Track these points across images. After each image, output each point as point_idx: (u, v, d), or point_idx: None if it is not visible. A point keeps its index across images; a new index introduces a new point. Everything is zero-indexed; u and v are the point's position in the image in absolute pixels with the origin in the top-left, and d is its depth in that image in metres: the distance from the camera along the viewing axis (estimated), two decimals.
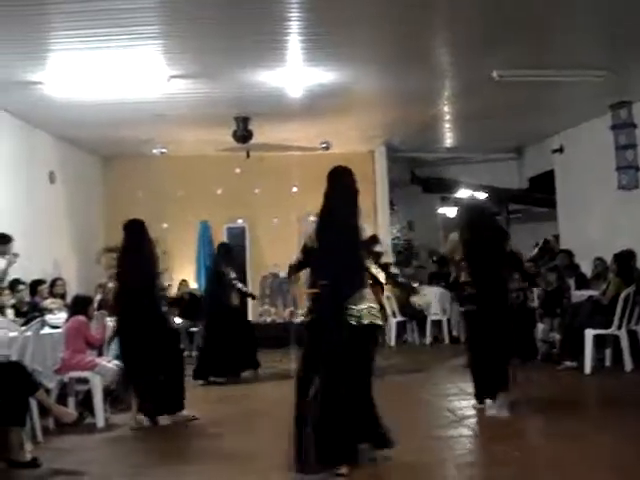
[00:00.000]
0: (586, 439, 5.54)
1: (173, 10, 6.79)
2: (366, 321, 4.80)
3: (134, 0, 6.44)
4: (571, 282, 10.38)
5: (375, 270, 5.27)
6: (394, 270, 5.08)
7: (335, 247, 4.92)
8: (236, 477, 5.07)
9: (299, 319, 11.88)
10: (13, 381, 5.33)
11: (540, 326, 9.91)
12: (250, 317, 13.57)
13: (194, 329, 11.66)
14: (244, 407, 7.79)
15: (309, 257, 5.09)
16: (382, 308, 9.34)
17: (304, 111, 10.24)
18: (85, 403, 6.89)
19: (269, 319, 13.83)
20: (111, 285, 10.54)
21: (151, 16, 6.88)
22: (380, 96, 10.33)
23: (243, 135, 11.01)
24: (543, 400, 7.18)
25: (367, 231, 4.96)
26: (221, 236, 13.78)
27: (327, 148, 12.93)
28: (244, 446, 5.85)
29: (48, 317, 7.78)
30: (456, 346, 11.73)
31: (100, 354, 7.29)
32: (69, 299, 8.47)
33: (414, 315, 13.01)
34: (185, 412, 6.82)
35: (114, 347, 7.71)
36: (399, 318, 12.83)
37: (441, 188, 16.19)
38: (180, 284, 13.15)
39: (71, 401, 6.90)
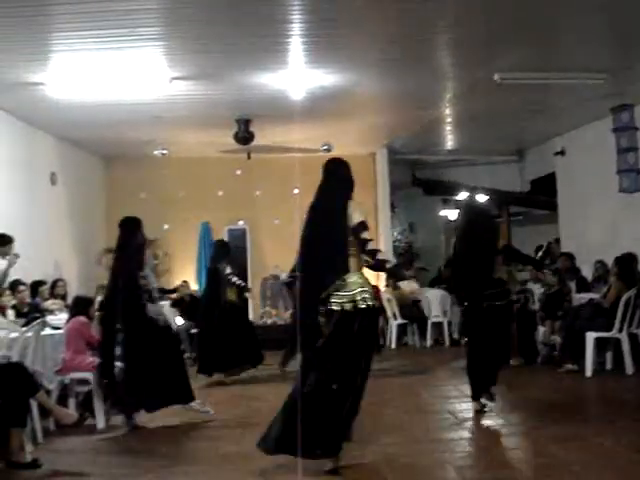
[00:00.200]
0: (587, 442, 5.53)
1: (175, 12, 6.80)
2: (362, 305, 4.82)
3: (136, 2, 6.44)
4: (572, 285, 10.37)
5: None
6: (381, 256, 4.98)
7: (317, 235, 4.98)
8: (237, 478, 5.06)
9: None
10: (14, 382, 5.33)
11: (541, 329, 9.91)
12: (251, 318, 13.61)
13: (195, 330, 11.65)
14: (245, 408, 7.79)
15: None
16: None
17: (305, 113, 10.24)
18: (86, 404, 6.88)
19: (270, 321, 13.82)
20: None
21: (153, 18, 6.89)
22: (382, 98, 10.34)
23: (244, 137, 11.02)
24: (544, 403, 7.18)
25: (356, 218, 4.90)
26: (222, 238, 13.75)
27: (328, 150, 12.93)
28: (245, 447, 5.84)
29: (49, 318, 7.79)
30: (457, 348, 11.72)
31: None
32: (70, 300, 8.47)
33: (415, 317, 13.02)
34: (196, 404, 6.88)
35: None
36: (400, 320, 12.82)
37: (442, 190, 16.20)
38: (181, 285, 13.15)
39: (72, 402, 6.90)
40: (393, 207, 15.02)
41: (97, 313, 7.47)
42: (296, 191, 13.21)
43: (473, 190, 14.93)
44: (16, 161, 10.13)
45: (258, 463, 5.09)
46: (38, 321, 6.69)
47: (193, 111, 10.32)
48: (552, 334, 9.66)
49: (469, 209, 7.51)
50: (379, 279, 12.58)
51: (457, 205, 16.58)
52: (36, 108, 9.69)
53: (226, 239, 13.48)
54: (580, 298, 9.77)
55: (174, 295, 10.98)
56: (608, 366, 8.88)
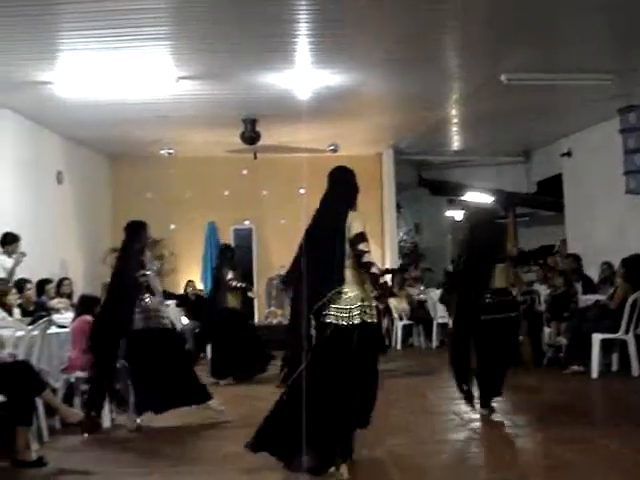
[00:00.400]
0: (592, 444, 5.52)
1: (182, 11, 6.81)
2: (357, 321, 4.76)
3: (143, 1, 6.45)
4: (578, 286, 10.35)
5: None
6: (374, 270, 4.79)
7: (315, 244, 4.94)
8: (241, 478, 5.06)
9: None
10: (20, 380, 5.34)
11: (547, 330, 9.89)
12: (256, 319, 13.63)
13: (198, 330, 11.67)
14: (249, 408, 7.77)
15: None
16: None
17: (312, 113, 10.24)
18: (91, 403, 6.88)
19: (275, 321, 13.81)
20: None
21: (160, 17, 6.89)
22: (388, 99, 10.33)
23: (251, 137, 11.03)
24: (549, 404, 7.16)
25: (355, 228, 4.80)
26: (228, 237, 13.81)
27: (335, 150, 12.94)
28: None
29: (55, 317, 7.79)
30: None
31: None
32: (76, 299, 8.48)
33: (420, 318, 13.01)
34: (214, 402, 6.88)
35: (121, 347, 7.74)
36: (405, 321, 12.81)
37: (448, 191, 16.19)
38: (187, 285, 13.18)
39: (77, 401, 6.90)
40: (399, 207, 15.02)
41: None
42: (302, 191, 13.22)
43: (479, 191, 14.97)
44: (23, 160, 10.15)
45: (261, 463, 5.08)
46: (44, 320, 6.69)
47: (199, 111, 10.33)
48: (558, 335, 9.63)
49: (474, 214, 7.45)
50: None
51: (463, 208, 16.60)
52: (43, 107, 9.71)
53: (232, 239, 13.54)
54: (586, 299, 9.75)
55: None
56: (614, 368, 8.85)
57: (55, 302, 8.98)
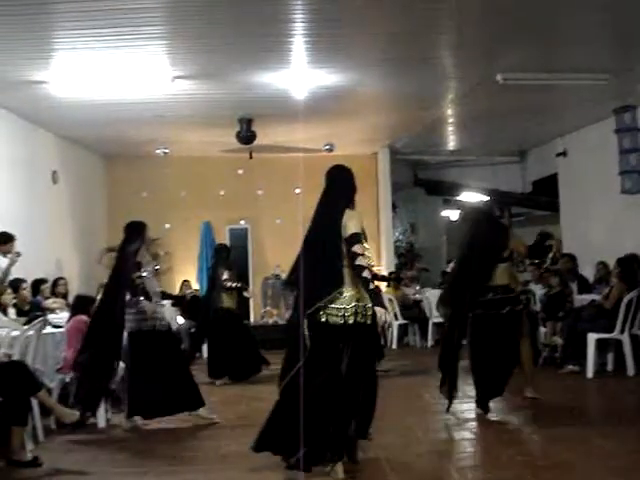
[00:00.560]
0: (588, 443, 5.53)
1: (177, 11, 6.79)
2: (350, 321, 4.74)
3: (139, 0, 6.43)
4: (573, 286, 10.37)
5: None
6: (365, 274, 4.70)
7: (314, 245, 4.93)
8: (238, 477, 5.06)
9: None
10: (15, 380, 5.33)
11: (542, 330, 9.90)
12: (252, 318, 13.62)
13: (193, 330, 11.65)
14: (244, 408, 7.79)
15: None
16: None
17: (308, 113, 10.24)
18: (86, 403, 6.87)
19: (271, 321, 13.82)
20: None
21: (156, 16, 6.87)
22: (384, 98, 10.33)
23: (246, 136, 11.01)
24: (545, 404, 7.16)
25: (350, 228, 4.78)
26: (223, 237, 13.79)
27: (331, 150, 12.93)
28: (245, 447, 5.83)
29: (50, 316, 7.78)
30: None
31: None
32: (71, 299, 8.47)
33: (416, 318, 13.02)
34: (204, 410, 6.82)
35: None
36: (401, 321, 12.81)
37: (444, 191, 16.20)
38: (182, 285, 13.17)
39: (72, 401, 6.88)
40: (395, 207, 15.02)
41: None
42: (298, 191, 13.22)
43: (475, 190, 14.98)
44: (17, 159, 10.12)
45: (258, 463, 5.08)
46: (39, 320, 6.68)
47: (195, 110, 10.31)
48: (553, 335, 9.64)
49: (474, 213, 7.45)
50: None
51: (459, 206, 16.61)
52: (38, 106, 9.68)
53: (227, 238, 13.52)
54: (582, 299, 9.77)
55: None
56: (609, 367, 8.87)
57: (50, 302, 8.97)
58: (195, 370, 9.44)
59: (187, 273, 13.62)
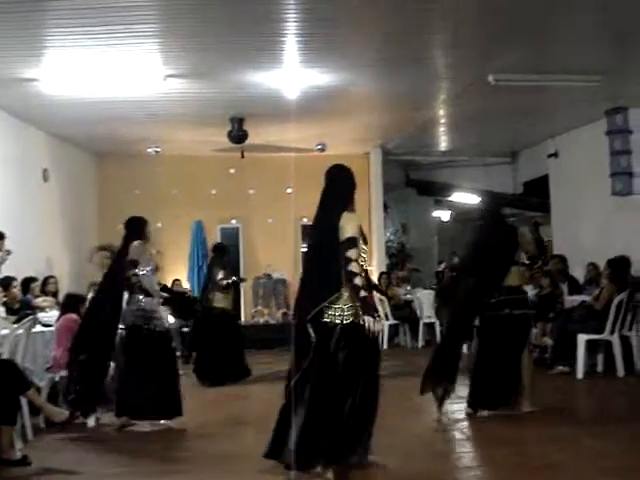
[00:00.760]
0: (579, 444, 5.55)
1: (170, 9, 6.77)
2: (346, 321, 4.73)
3: None
4: (564, 287, 10.39)
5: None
6: (357, 281, 4.63)
7: (313, 248, 4.95)
8: (229, 477, 5.05)
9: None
10: (4, 379, 5.31)
11: (533, 331, 9.90)
12: (242, 318, 13.60)
13: (186, 329, 11.62)
14: (235, 408, 7.78)
15: None
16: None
17: (300, 112, 10.23)
18: (76, 402, 6.83)
19: (262, 320, 13.81)
20: None
21: (148, 15, 6.86)
22: (376, 98, 10.33)
23: (238, 135, 11.00)
24: (535, 404, 7.17)
25: (347, 231, 4.74)
26: (215, 236, 13.78)
27: (322, 150, 12.94)
28: (237, 446, 5.84)
29: (40, 315, 7.74)
30: None
31: None
32: (61, 297, 8.44)
33: (406, 318, 13.03)
34: (178, 421, 6.64)
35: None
36: (391, 321, 12.81)
37: (435, 191, 16.23)
38: (173, 284, 13.13)
39: (62, 400, 6.86)
40: (386, 207, 15.03)
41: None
42: (289, 190, 13.22)
43: (466, 191, 15.00)
44: (8, 157, 10.08)
45: (249, 462, 5.08)
46: (29, 318, 6.65)
47: (187, 109, 10.29)
48: (544, 336, 9.66)
49: (486, 216, 7.42)
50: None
51: (449, 207, 16.64)
52: (29, 104, 9.64)
53: (219, 238, 13.50)
54: (572, 300, 9.79)
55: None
56: (599, 368, 8.89)
57: (40, 300, 8.94)
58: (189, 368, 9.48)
59: (178, 272, 13.59)
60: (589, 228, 11.78)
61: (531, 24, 7.27)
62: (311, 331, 4.76)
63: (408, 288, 14.04)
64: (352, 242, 4.71)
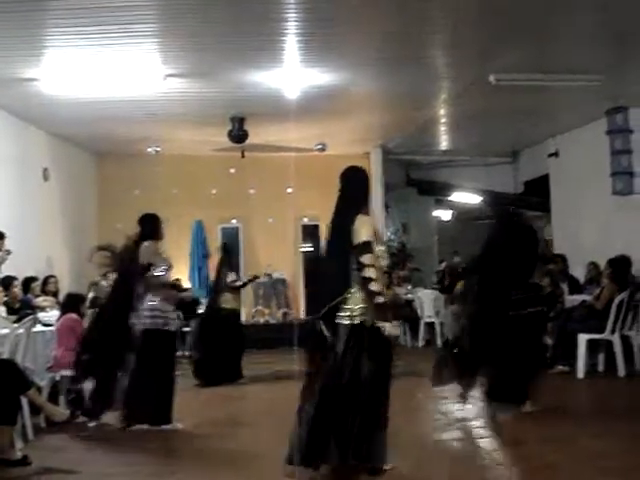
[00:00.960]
0: (579, 444, 5.55)
1: (170, 9, 6.77)
2: (356, 321, 4.69)
3: None
4: (564, 287, 10.38)
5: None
6: (373, 287, 4.57)
7: (326, 251, 4.91)
8: (227, 476, 5.05)
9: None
10: (5, 379, 5.30)
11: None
12: (243, 318, 13.57)
13: (186, 329, 11.60)
14: (236, 408, 7.78)
15: None
16: None
17: (300, 112, 10.23)
18: (76, 402, 6.84)
19: (262, 320, 13.80)
20: (104, 283, 10.54)
21: (148, 14, 6.86)
22: (376, 98, 10.33)
23: (238, 135, 10.99)
24: (535, 404, 7.16)
25: (362, 235, 4.66)
26: (215, 236, 13.79)
27: (323, 150, 12.92)
28: (235, 446, 5.84)
29: (40, 315, 7.74)
30: None
31: None
32: (61, 297, 8.43)
33: (407, 318, 13.02)
34: (170, 426, 6.54)
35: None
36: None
37: (436, 191, 16.21)
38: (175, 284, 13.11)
39: (62, 399, 6.86)
40: (387, 207, 15.02)
41: (89, 310, 7.44)
42: (290, 190, 13.22)
43: (467, 191, 14.99)
44: (8, 157, 10.08)
45: (247, 462, 5.08)
46: (29, 318, 6.65)
47: (187, 109, 10.29)
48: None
49: (509, 219, 7.42)
50: None
51: (450, 206, 16.62)
52: (29, 104, 9.64)
53: (219, 237, 13.50)
54: (572, 300, 9.78)
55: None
56: (600, 368, 8.88)
57: (40, 300, 8.94)
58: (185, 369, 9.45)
59: (178, 272, 13.53)
60: (590, 227, 11.77)
61: (532, 24, 7.27)
62: (324, 329, 4.73)
63: (409, 287, 14.03)
64: (366, 247, 4.64)
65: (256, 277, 10.26)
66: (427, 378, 8.66)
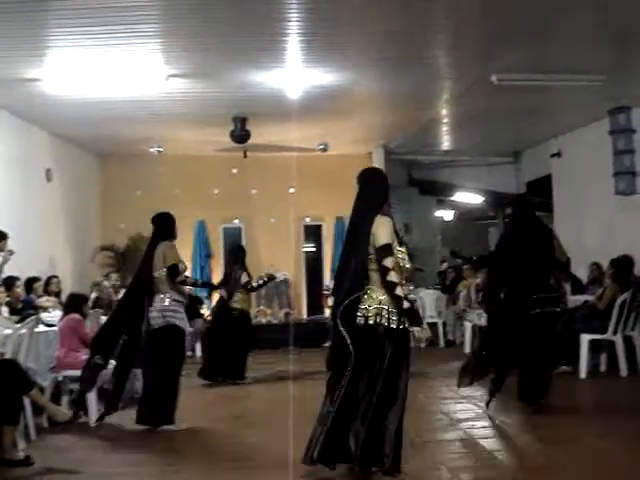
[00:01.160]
0: (582, 444, 5.54)
1: (172, 9, 6.77)
2: (371, 321, 4.66)
3: None
4: (567, 287, 10.36)
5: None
6: (398, 292, 4.56)
7: (344, 252, 4.92)
8: (230, 476, 5.05)
9: None
10: (7, 379, 5.30)
11: None
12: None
13: (189, 329, 11.56)
14: (237, 408, 7.78)
15: None
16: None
17: (302, 112, 10.23)
18: (79, 402, 6.85)
19: (264, 320, 13.80)
20: (106, 283, 10.57)
21: (151, 14, 6.86)
22: (379, 98, 10.33)
23: (241, 135, 11.00)
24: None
25: (381, 238, 4.63)
26: (217, 236, 13.80)
27: (325, 150, 12.92)
28: (239, 446, 5.84)
29: (43, 315, 7.76)
30: (451, 349, 11.74)
31: None
32: (64, 297, 8.44)
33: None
34: (173, 427, 6.51)
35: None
36: None
37: (438, 191, 16.21)
38: None
39: (65, 400, 6.87)
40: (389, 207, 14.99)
41: (91, 311, 7.45)
42: (292, 190, 13.21)
43: (469, 191, 14.99)
44: (11, 157, 10.09)
45: (253, 461, 5.08)
46: (32, 318, 6.66)
47: (189, 109, 10.29)
48: None
49: (526, 214, 7.41)
50: None
51: (453, 207, 16.61)
52: (32, 104, 9.65)
53: (221, 237, 13.52)
54: (575, 300, 9.77)
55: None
56: (602, 368, 8.87)
57: (43, 300, 8.95)
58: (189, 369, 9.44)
59: None
60: (592, 228, 11.76)
61: (534, 24, 7.26)
62: (343, 330, 4.72)
63: (411, 288, 14.01)
64: (388, 250, 4.62)
65: (272, 278, 10.23)
66: (429, 378, 8.72)
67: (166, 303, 6.54)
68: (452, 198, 16.18)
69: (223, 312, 9.54)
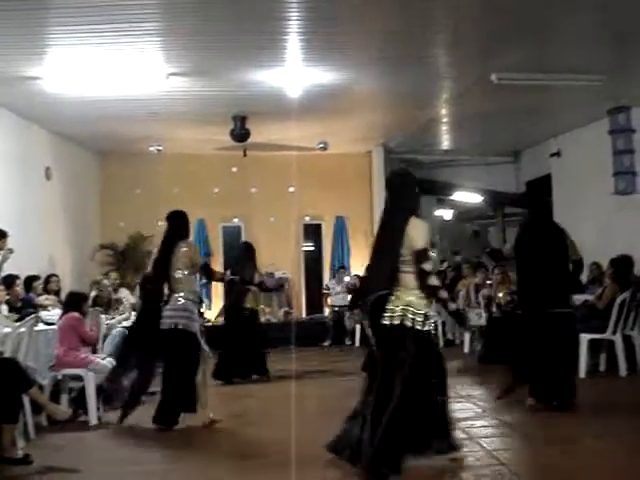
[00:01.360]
0: (581, 443, 5.54)
1: (172, 7, 6.78)
2: (396, 321, 4.66)
3: None
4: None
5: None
6: (443, 295, 4.65)
7: (376, 249, 4.91)
8: (231, 475, 5.05)
9: None
10: (6, 378, 5.30)
11: None
12: None
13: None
14: (238, 407, 7.77)
15: None
16: None
17: (302, 111, 10.23)
18: (78, 400, 6.86)
19: (264, 319, 13.76)
20: (106, 282, 10.55)
21: (151, 13, 6.86)
22: (379, 97, 10.33)
23: (240, 134, 11.00)
24: (537, 403, 7.16)
25: (418, 240, 4.61)
26: (217, 235, 13.79)
27: (324, 148, 12.92)
28: (240, 445, 5.84)
29: (42, 313, 7.75)
30: (451, 349, 11.72)
31: (94, 351, 7.26)
32: (63, 295, 8.43)
33: None
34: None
35: (108, 344, 7.74)
36: None
37: (437, 190, 16.20)
38: None
39: (64, 398, 6.87)
40: None
41: (91, 309, 7.45)
42: (291, 189, 13.21)
43: (469, 190, 14.98)
44: (11, 155, 10.09)
45: (254, 460, 5.08)
46: (31, 317, 6.65)
47: (189, 107, 10.29)
48: None
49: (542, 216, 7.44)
50: None
51: (452, 206, 16.59)
52: (32, 102, 9.65)
53: (221, 236, 13.51)
54: (575, 299, 9.75)
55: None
56: (602, 368, 8.87)
57: (42, 299, 8.94)
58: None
59: None
60: (592, 227, 11.74)
61: (534, 23, 7.27)
62: (369, 331, 4.73)
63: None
64: (426, 254, 4.64)
65: (285, 281, 10.17)
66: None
67: (181, 302, 6.51)
68: (452, 198, 16.16)
69: (234, 312, 9.50)
